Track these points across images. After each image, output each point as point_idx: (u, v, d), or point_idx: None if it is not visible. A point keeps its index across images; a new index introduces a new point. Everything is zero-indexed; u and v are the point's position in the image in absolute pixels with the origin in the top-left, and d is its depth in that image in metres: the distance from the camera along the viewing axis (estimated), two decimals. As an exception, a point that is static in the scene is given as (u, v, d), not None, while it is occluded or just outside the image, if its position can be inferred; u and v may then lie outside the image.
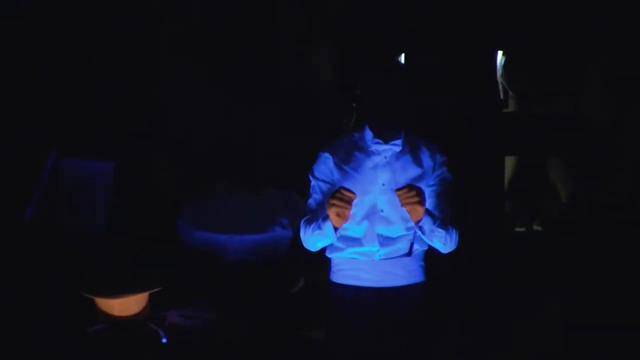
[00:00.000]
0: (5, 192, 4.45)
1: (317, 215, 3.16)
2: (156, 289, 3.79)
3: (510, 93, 5.60)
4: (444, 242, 3.11)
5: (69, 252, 4.19)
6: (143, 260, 4.40)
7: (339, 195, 2.99)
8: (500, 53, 5.44)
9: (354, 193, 3.01)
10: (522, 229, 5.57)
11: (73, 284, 3.85)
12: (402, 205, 3.00)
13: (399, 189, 3.00)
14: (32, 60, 4.93)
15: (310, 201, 3.26)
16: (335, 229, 3.09)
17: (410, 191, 2.98)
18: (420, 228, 3.07)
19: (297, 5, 5.32)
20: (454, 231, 3.13)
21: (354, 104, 5.41)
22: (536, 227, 5.58)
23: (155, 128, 5.16)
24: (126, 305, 3.70)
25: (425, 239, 3.13)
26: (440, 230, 3.09)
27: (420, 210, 3.02)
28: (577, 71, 5.29)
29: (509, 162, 5.66)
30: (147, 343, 3.61)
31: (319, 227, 3.12)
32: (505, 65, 5.49)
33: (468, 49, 4.68)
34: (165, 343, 3.59)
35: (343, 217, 3.04)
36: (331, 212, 3.02)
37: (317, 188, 3.25)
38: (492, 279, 4.52)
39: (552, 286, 4.76)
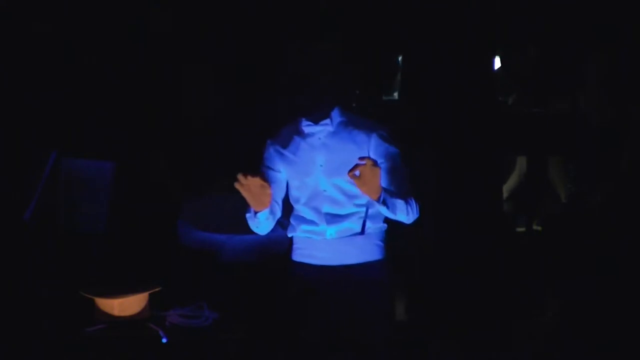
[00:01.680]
0: (5, 192, 4.45)
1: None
2: (156, 289, 3.79)
3: (510, 93, 5.60)
4: (406, 212, 3.12)
5: (69, 252, 4.19)
6: (143, 260, 4.41)
7: (244, 186, 3.03)
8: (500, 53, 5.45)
9: (257, 177, 3.02)
10: (522, 229, 5.57)
11: (73, 284, 3.85)
12: (361, 188, 3.01)
13: (353, 170, 2.97)
14: (32, 60, 4.94)
15: None
16: (257, 211, 3.16)
17: (372, 169, 2.96)
18: (384, 202, 3.07)
19: (297, 5, 5.32)
20: (413, 201, 3.14)
21: (354, 105, 5.41)
22: (536, 227, 5.58)
23: (155, 128, 5.16)
24: (126, 305, 3.70)
25: (389, 213, 3.12)
26: (399, 200, 3.09)
27: (377, 187, 3.02)
28: (577, 71, 5.29)
29: (510, 162, 5.66)
30: (147, 343, 3.60)
31: (249, 211, 3.21)
32: (505, 65, 5.49)
33: (468, 49, 4.68)
34: (165, 343, 3.59)
35: (260, 202, 3.10)
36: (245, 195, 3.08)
37: (266, 174, 3.28)
38: (492, 279, 4.52)
39: (552, 286, 4.76)
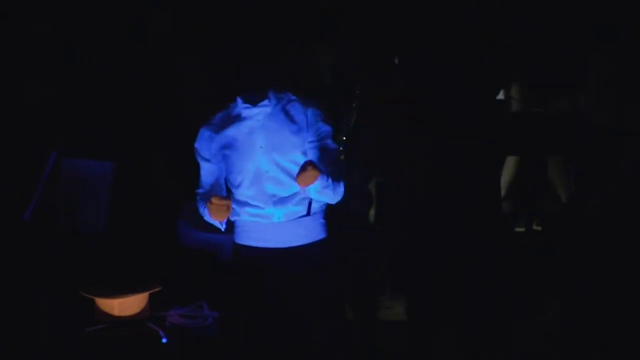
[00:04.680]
0: (5, 192, 4.45)
1: (204, 196, 3.29)
2: (156, 289, 3.79)
3: (510, 93, 5.59)
4: (330, 198, 3.24)
5: (69, 252, 4.19)
6: (143, 260, 4.40)
7: (213, 207, 3.13)
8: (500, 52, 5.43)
9: (226, 199, 3.14)
10: (522, 229, 5.56)
11: (73, 284, 3.85)
12: (301, 184, 3.10)
13: (299, 177, 3.08)
14: (32, 60, 4.93)
15: (201, 177, 3.38)
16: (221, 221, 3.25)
17: (307, 172, 3.06)
18: (305, 191, 3.17)
19: (297, 5, 5.32)
20: (340, 184, 3.22)
21: (354, 104, 5.40)
22: (536, 227, 5.57)
23: (155, 128, 5.16)
24: (126, 305, 3.70)
25: (312, 196, 3.22)
26: (327, 190, 3.18)
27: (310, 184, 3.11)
28: (577, 70, 5.29)
29: (509, 162, 5.65)
30: (147, 343, 3.61)
31: (205, 215, 3.29)
32: (505, 65, 5.47)
33: (468, 49, 4.68)
34: (165, 343, 3.59)
35: (222, 216, 3.18)
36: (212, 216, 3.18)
37: (201, 165, 3.38)
38: (492, 279, 4.52)
39: (552, 286, 4.76)
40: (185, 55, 5.24)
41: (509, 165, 5.65)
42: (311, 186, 3.13)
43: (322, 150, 3.27)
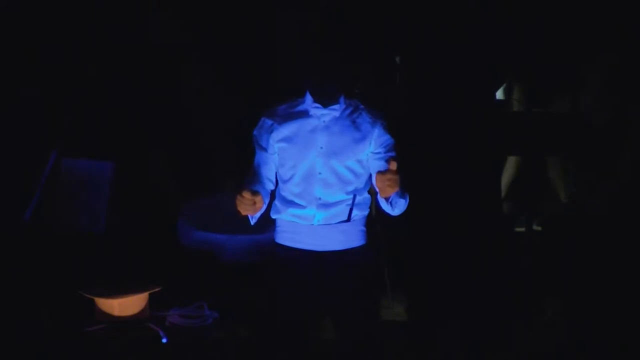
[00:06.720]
0: (5, 192, 4.45)
1: (248, 182, 3.26)
2: (156, 289, 3.79)
3: (511, 93, 5.60)
4: (400, 208, 3.21)
5: (69, 252, 4.19)
6: (143, 260, 4.41)
7: (240, 199, 3.08)
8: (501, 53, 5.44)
9: (254, 193, 3.09)
10: (522, 229, 5.56)
11: (73, 284, 3.85)
12: (380, 189, 3.06)
13: (381, 174, 3.03)
14: (32, 60, 4.94)
15: (252, 164, 3.36)
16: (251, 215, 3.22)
17: (391, 180, 3.01)
18: (387, 199, 3.15)
19: (297, 5, 5.32)
20: (407, 195, 3.20)
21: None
22: (536, 227, 5.57)
23: (155, 128, 5.16)
24: (126, 305, 3.71)
25: (383, 206, 3.20)
26: (400, 200, 3.17)
27: (392, 192, 3.08)
28: (577, 71, 5.29)
29: (509, 162, 5.66)
30: (147, 343, 3.61)
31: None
32: (505, 65, 5.48)
33: (468, 49, 4.68)
34: (165, 343, 3.59)
35: (252, 210, 3.14)
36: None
37: (256, 152, 3.36)
38: (492, 279, 4.52)
39: (552, 286, 4.76)
40: (186, 56, 5.24)
41: (509, 165, 5.66)
42: (387, 201, 3.13)
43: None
